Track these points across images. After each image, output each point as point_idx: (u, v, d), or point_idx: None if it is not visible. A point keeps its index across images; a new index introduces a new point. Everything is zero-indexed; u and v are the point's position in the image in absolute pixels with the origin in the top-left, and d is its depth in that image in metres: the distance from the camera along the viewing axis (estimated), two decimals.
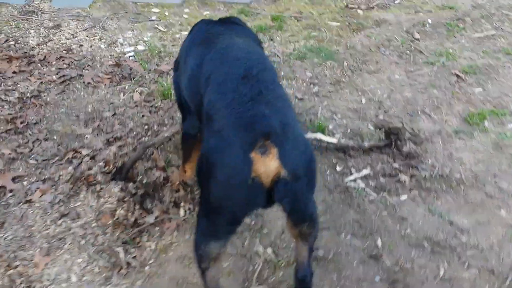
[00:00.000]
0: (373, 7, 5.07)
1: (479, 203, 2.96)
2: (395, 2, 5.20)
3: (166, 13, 5.06)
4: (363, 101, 3.75)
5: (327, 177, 3.13)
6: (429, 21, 4.78)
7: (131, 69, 4.20)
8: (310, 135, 3.29)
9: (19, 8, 5.09)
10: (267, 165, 1.72)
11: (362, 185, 3.09)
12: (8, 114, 3.64)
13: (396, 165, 3.23)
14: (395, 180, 3.14)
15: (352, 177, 3.13)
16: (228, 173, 1.79)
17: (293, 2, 5.21)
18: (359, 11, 4.99)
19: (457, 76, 3.97)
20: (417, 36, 4.55)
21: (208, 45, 2.36)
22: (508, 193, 3.00)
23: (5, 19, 4.88)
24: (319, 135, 3.28)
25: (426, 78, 3.99)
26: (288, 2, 5.23)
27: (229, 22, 2.67)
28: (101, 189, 2.90)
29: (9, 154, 3.27)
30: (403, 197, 3.02)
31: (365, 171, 3.19)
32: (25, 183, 3.08)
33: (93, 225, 2.76)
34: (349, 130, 3.49)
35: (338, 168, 3.20)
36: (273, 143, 1.72)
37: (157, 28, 4.79)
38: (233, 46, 2.29)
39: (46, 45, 4.52)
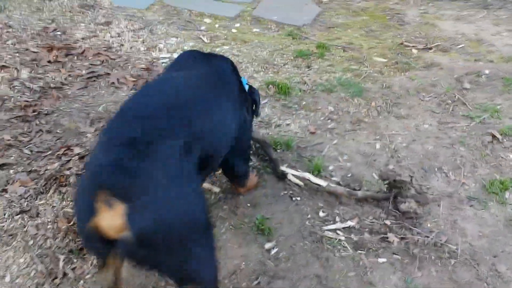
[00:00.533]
0: (431, 48, 4.71)
1: (464, 285, 2.59)
2: (458, 46, 4.80)
3: (216, 25, 5.03)
4: (378, 146, 3.46)
5: (306, 221, 2.89)
6: (486, 71, 4.35)
7: (158, 75, 4.18)
8: (297, 173, 3.07)
9: (81, 0, 5.28)
10: (110, 220, 1.55)
11: (341, 237, 2.82)
12: (25, 101, 3.74)
13: (388, 222, 2.93)
14: (381, 238, 2.84)
15: (332, 226, 2.88)
16: (76, 213, 1.77)
17: (348, 32, 4.98)
18: (413, 50, 4.67)
19: (493, 136, 3.56)
20: (467, 86, 4.15)
21: (164, 73, 2.29)
22: (502, 279, 2.61)
23: (64, 10, 5.08)
24: (307, 175, 3.05)
25: (459, 133, 3.61)
26: (343, 31, 5.00)
27: (213, 58, 2.51)
28: (67, 191, 2.87)
29: (8, 140, 3.34)
30: (382, 259, 2.71)
31: (351, 223, 2.92)
32: (11, 171, 3.12)
33: (48, 227, 2.72)
34: (350, 175, 3.22)
35: (321, 214, 2.95)
36: (120, 199, 1.54)
37: (201, 38, 4.76)
38: (168, 81, 2.15)
39: (90, 40, 4.64)
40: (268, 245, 2.72)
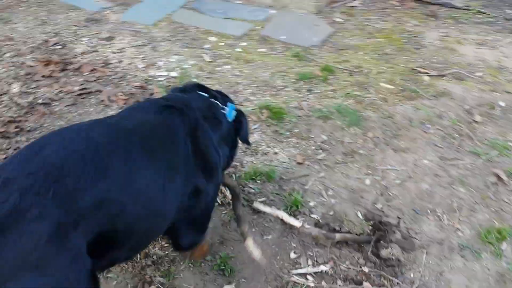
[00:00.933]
0: (445, 75, 4.40)
1: None
2: (476, 74, 4.47)
3: (221, 43, 4.87)
4: (368, 181, 3.19)
5: (274, 262, 2.66)
6: (502, 103, 4.01)
7: (151, 94, 4.04)
8: (271, 211, 2.84)
9: (88, 14, 5.22)
10: None
11: (311, 283, 2.57)
12: (10, 116, 3.66)
13: (366, 269, 2.67)
14: (356, 287, 2.57)
15: (303, 271, 2.64)
16: None
17: (358, 55, 4.72)
18: (425, 77, 4.36)
19: (498, 177, 3.23)
20: (477, 118, 3.83)
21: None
22: None
23: (69, 23, 5.03)
24: (282, 214, 2.81)
25: (461, 171, 3.30)
26: (353, 53, 4.75)
27: (168, 110, 2.07)
28: None
29: None
30: None
31: (323, 267, 2.67)
32: None
33: None
34: (331, 212, 2.97)
35: (292, 255, 2.71)
36: None
37: (203, 57, 4.60)
38: (67, 133, 1.75)
39: (89, 54, 4.55)
40: None
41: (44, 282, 1.38)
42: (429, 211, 3.01)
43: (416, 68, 4.52)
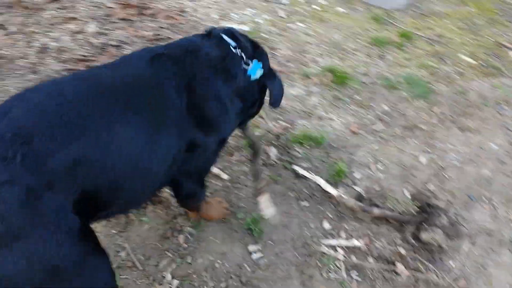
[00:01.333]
0: None
1: None
2: None
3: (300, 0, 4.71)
4: (423, 159, 3.01)
5: (305, 230, 2.59)
6: None
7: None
8: (309, 175, 2.76)
9: None
10: None
11: (340, 255, 2.49)
12: (81, 55, 3.78)
13: (402, 250, 2.54)
14: (388, 268, 2.47)
15: (333, 242, 2.55)
16: None
17: (443, 22, 4.40)
18: (511, 52, 4.00)
19: None
20: None
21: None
22: None
23: None
24: (320, 180, 2.72)
25: None
26: (438, 20, 4.43)
27: (161, 61, 1.87)
28: None
29: None
30: None
31: (356, 242, 2.57)
32: None
33: None
34: (377, 187, 2.83)
35: (326, 225, 2.63)
36: None
37: (278, 12, 4.48)
38: (43, 90, 1.61)
39: (167, 1, 4.57)
40: (252, 248, 2.48)
41: (25, 250, 1.35)
42: (484, 199, 2.80)
43: (503, 43, 4.14)
